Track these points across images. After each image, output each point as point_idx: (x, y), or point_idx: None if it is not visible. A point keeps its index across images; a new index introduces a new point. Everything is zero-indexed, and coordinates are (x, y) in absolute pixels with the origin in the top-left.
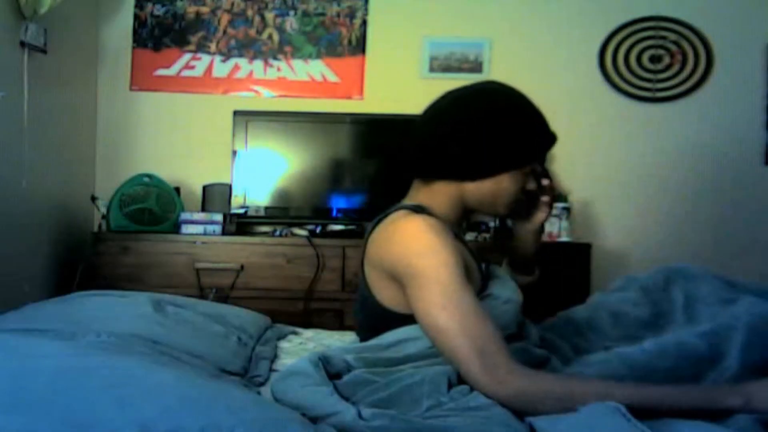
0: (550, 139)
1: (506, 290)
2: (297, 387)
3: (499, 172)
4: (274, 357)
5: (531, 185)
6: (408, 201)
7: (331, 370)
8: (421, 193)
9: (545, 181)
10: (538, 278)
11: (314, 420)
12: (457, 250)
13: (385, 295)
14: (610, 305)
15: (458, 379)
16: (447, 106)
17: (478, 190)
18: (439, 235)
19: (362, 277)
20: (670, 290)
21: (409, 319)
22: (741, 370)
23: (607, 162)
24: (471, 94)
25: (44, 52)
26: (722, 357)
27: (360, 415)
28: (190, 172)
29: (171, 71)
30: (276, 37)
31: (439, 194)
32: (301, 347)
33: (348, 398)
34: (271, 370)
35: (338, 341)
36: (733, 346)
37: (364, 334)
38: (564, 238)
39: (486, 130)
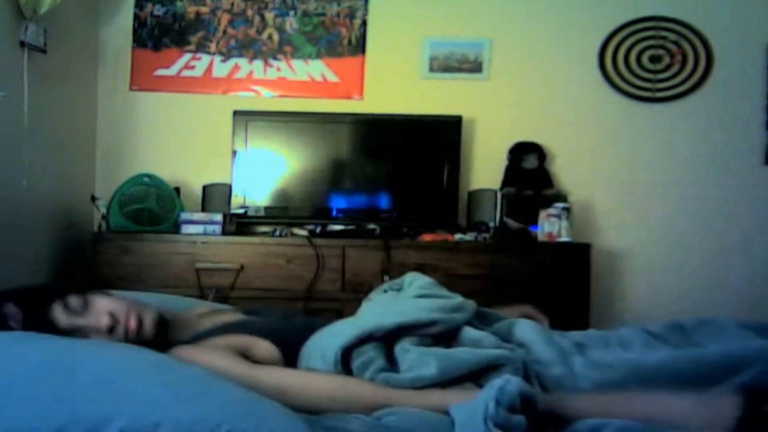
0: None
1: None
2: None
3: None
4: None
5: None
6: None
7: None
8: None
9: None
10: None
11: (314, 413)
12: None
13: None
14: (647, 326)
15: None
16: None
17: None
18: None
19: None
20: (702, 328)
21: None
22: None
23: (607, 162)
24: None
25: (44, 52)
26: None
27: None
28: (190, 172)
29: (171, 71)
30: (276, 37)
31: None
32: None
33: None
34: None
35: None
36: (744, 375)
37: None
38: (564, 238)
39: None
